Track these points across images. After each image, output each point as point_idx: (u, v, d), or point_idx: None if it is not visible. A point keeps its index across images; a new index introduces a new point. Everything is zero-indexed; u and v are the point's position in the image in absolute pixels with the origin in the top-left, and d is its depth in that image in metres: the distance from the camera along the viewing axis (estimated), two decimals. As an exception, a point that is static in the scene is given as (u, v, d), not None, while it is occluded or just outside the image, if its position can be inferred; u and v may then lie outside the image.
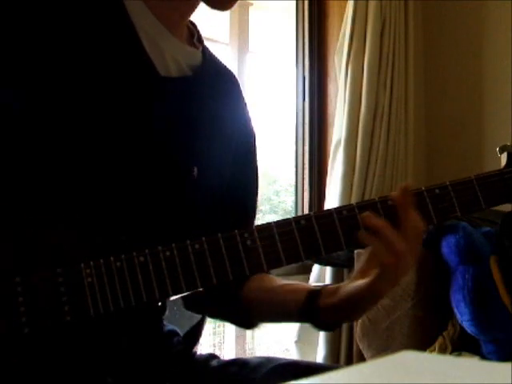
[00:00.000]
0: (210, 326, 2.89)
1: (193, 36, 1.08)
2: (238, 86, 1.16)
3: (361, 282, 0.93)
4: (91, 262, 0.83)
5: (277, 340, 3.28)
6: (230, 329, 2.93)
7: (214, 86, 1.07)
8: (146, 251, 0.84)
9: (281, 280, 1.10)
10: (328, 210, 0.90)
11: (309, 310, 0.98)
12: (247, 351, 2.93)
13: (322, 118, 2.90)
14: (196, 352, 1.14)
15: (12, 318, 0.81)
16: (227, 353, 2.92)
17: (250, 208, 1.16)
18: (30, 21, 0.90)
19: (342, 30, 2.71)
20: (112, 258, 0.84)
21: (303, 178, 2.89)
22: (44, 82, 0.89)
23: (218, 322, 2.92)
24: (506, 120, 2.73)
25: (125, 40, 0.96)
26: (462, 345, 2.17)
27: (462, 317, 2.10)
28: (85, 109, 0.91)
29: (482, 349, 2.12)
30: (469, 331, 2.11)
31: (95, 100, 0.91)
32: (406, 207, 0.90)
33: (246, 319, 1.10)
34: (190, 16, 1.06)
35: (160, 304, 1.05)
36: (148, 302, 0.85)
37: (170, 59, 0.99)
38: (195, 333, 1.13)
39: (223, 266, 0.85)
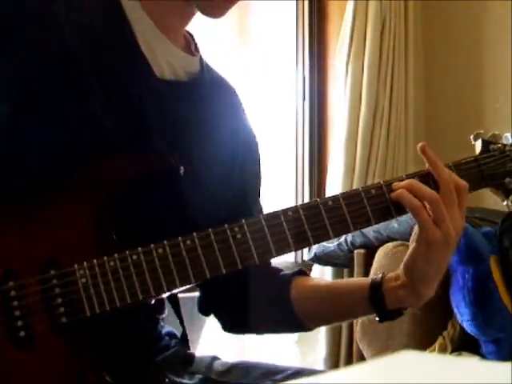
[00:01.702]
0: (210, 324, 2.88)
1: (189, 45, 1.09)
2: (238, 97, 1.16)
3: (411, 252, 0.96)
4: (84, 263, 0.84)
5: (277, 340, 3.27)
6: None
7: (211, 93, 1.07)
8: (139, 249, 0.85)
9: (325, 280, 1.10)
10: (314, 200, 0.93)
11: (374, 297, 1.00)
12: (246, 350, 2.93)
13: (322, 118, 2.90)
14: (194, 354, 1.14)
15: (7, 322, 0.81)
16: (226, 352, 2.91)
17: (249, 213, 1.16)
18: (32, 19, 0.91)
19: (342, 30, 2.72)
20: (105, 258, 0.84)
21: (303, 178, 2.89)
22: (42, 78, 0.90)
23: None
24: (507, 120, 2.73)
25: (123, 41, 0.97)
26: (462, 345, 2.17)
27: (462, 317, 2.10)
28: (81, 105, 0.92)
29: (481, 349, 2.12)
30: (469, 331, 2.11)
31: (91, 97, 0.92)
32: (436, 164, 0.95)
33: (299, 321, 1.09)
34: (187, 23, 1.07)
35: (158, 305, 1.05)
36: (144, 299, 0.85)
37: (165, 63, 1.01)
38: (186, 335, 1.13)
39: (215, 259, 0.87)
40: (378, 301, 1.00)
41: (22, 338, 0.81)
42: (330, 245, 2.47)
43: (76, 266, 0.83)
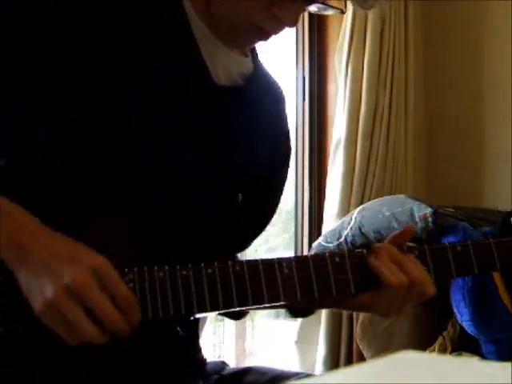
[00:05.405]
0: (211, 325, 2.89)
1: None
2: (284, 100, 1.15)
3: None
4: (135, 269, 0.84)
5: (276, 340, 3.27)
6: (229, 329, 2.93)
7: (262, 98, 1.07)
8: (189, 266, 0.86)
9: None
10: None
11: None
12: (247, 351, 2.93)
13: (322, 117, 2.90)
14: (206, 359, 1.14)
15: None
16: (227, 353, 2.92)
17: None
18: (94, 22, 0.90)
19: (342, 30, 2.72)
20: (155, 268, 0.85)
21: (303, 178, 2.89)
22: (102, 84, 0.89)
23: (218, 322, 2.91)
24: (506, 119, 2.73)
25: (186, 48, 0.97)
26: (462, 345, 2.17)
27: (462, 317, 2.10)
28: (141, 112, 0.91)
29: (481, 349, 2.12)
30: (469, 331, 2.11)
31: (151, 104, 0.92)
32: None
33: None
34: None
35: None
36: (186, 314, 0.87)
37: (221, 67, 1.00)
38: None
39: (260, 289, 0.89)
40: None
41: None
42: (330, 245, 2.46)
43: (126, 269, 0.84)
